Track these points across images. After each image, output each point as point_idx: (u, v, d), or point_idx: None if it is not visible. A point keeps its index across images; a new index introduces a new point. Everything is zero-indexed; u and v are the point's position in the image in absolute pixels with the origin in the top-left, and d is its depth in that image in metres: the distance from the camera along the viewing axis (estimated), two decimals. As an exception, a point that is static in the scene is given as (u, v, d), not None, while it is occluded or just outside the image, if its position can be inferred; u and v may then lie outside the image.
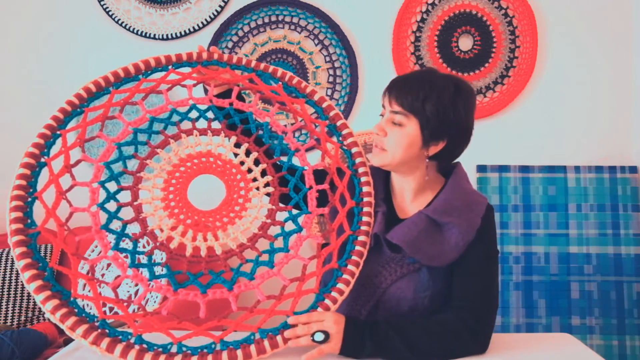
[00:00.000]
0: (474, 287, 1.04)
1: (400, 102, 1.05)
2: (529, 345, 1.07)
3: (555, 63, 2.31)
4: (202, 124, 1.11)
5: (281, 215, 1.05)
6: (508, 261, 2.20)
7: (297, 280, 1.03)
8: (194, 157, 1.07)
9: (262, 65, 1.17)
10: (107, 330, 0.92)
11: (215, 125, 1.13)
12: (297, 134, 2.33)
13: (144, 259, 1.69)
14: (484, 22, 2.32)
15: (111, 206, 1.00)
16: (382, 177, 1.17)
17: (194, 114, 1.12)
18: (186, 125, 1.08)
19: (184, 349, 0.93)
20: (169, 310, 0.95)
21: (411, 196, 1.13)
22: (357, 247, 1.06)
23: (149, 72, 1.10)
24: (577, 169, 2.25)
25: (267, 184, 1.09)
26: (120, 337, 0.92)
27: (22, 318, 1.98)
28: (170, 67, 1.11)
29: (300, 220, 1.07)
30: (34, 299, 2.00)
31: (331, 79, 2.35)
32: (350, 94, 2.33)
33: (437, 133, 1.05)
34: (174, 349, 0.93)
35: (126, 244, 1.93)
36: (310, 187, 1.08)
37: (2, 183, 1.54)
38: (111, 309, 1.93)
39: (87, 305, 1.96)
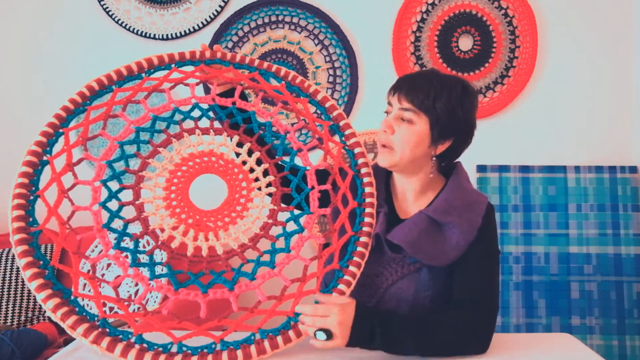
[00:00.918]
0: (475, 287, 1.04)
1: (410, 100, 1.05)
2: (529, 345, 1.07)
3: (555, 63, 2.31)
4: (204, 123, 1.11)
5: (283, 216, 1.05)
6: (508, 261, 2.20)
7: (298, 281, 1.03)
8: (196, 156, 1.07)
9: (266, 64, 1.16)
10: (107, 330, 0.92)
11: (218, 124, 1.13)
12: (298, 134, 2.33)
13: (144, 259, 1.69)
14: (484, 22, 2.32)
15: (113, 205, 1.00)
16: (382, 178, 1.16)
17: (196, 113, 1.11)
18: (188, 124, 1.08)
19: (184, 348, 0.93)
20: (170, 310, 0.95)
21: (413, 197, 1.13)
22: (359, 248, 1.06)
23: (151, 70, 1.09)
24: (577, 169, 2.25)
25: (269, 184, 1.08)
26: (120, 336, 0.92)
27: (22, 318, 1.98)
28: (173, 65, 1.11)
29: (302, 220, 1.06)
30: (34, 299, 2.00)
31: (331, 79, 2.35)
32: (350, 94, 2.33)
33: (445, 132, 1.06)
34: (174, 349, 0.93)
35: (127, 243, 1.93)
36: (312, 188, 1.08)
37: (4, 181, 1.54)
38: (112, 308, 1.93)
39: (88, 304, 1.96)
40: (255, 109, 1.11)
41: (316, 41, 2.34)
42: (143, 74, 1.08)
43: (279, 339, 0.96)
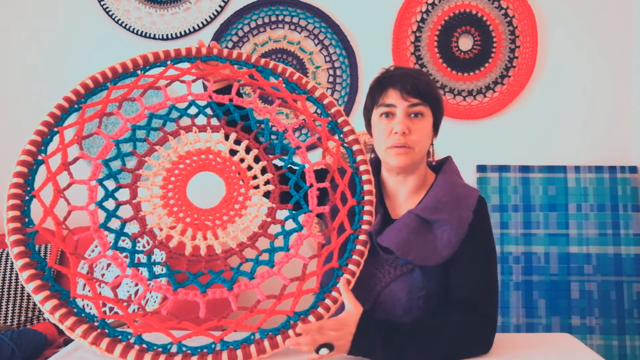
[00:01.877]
0: (473, 286, 1.03)
1: (415, 94, 1.05)
2: (529, 345, 1.07)
3: (555, 63, 2.31)
4: (201, 120, 1.09)
5: (281, 214, 1.04)
6: (508, 261, 2.20)
7: (298, 280, 1.02)
8: (193, 154, 1.05)
9: (263, 60, 1.15)
10: (106, 330, 0.92)
11: (215, 121, 1.12)
12: (297, 133, 2.33)
13: (143, 258, 1.69)
14: (484, 22, 2.32)
15: (110, 204, 0.99)
16: (374, 178, 1.14)
17: (193, 110, 1.10)
18: (185, 121, 1.06)
19: (184, 348, 0.92)
20: (169, 310, 0.94)
21: (405, 196, 1.12)
22: (358, 247, 1.06)
23: (147, 67, 1.08)
24: (577, 169, 2.25)
25: (267, 182, 1.07)
26: (120, 337, 0.92)
27: (22, 318, 1.98)
28: (169, 62, 1.09)
29: (301, 219, 1.06)
30: (34, 299, 2.00)
31: (331, 79, 2.34)
32: (350, 94, 2.33)
33: (438, 117, 1.10)
34: (173, 349, 0.93)
35: (125, 243, 1.93)
36: (311, 185, 1.07)
37: None
38: (111, 309, 1.92)
39: (87, 305, 1.96)
40: (252, 106, 1.10)
41: (316, 41, 2.34)
42: (138, 71, 1.07)
43: (279, 338, 0.96)
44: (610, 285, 2.17)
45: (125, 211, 0.99)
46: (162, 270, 0.99)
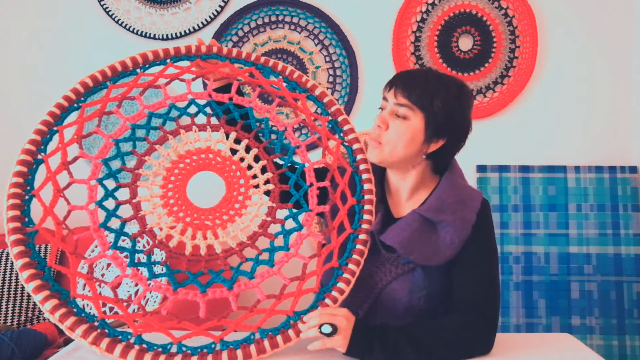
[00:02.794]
0: (475, 287, 1.03)
1: (407, 95, 1.03)
2: (529, 345, 1.07)
3: (555, 63, 2.31)
4: (201, 119, 1.08)
5: (281, 213, 1.04)
6: (508, 261, 2.20)
7: (298, 280, 1.02)
8: (193, 153, 1.05)
9: (263, 58, 1.13)
10: (106, 330, 0.91)
11: (215, 120, 1.11)
12: (297, 133, 2.33)
13: (143, 258, 1.69)
14: (484, 22, 2.32)
15: (109, 204, 0.98)
16: (377, 176, 1.15)
17: (193, 109, 1.09)
18: (185, 120, 1.06)
19: (184, 348, 0.92)
20: (169, 310, 0.94)
21: (407, 195, 1.12)
22: (358, 246, 1.05)
23: (146, 66, 1.07)
24: (577, 169, 2.25)
25: (267, 181, 1.07)
26: (120, 337, 0.91)
27: (22, 318, 1.98)
28: (168, 60, 1.09)
29: (301, 218, 1.05)
30: (34, 299, 2.00)
31: (331, 79, 2.34)
32: (350, 94, 2.33)
33: (440, 130, 1.04)
34: (173, 349, 0.92)
35: (125, 243, 1.93)
36: (311, 184, 1.07)
37: None
38: (111, 309, 1.92)
39: (87, 305, 1.96)
40: (252, 104, 1.09)
41: (316, 41, 2.34)
42: (138, 70, 1.07)
43: (279, 338, 0.95)
44: (610, 285, 2.17)
45: (125, 211, 0.98)
46: (162, 270, 0.99)
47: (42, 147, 0.96)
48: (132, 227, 1.93)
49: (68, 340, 1.67)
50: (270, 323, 0.99)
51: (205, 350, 0.93)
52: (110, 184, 0.98)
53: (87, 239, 2.06)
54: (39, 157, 0.96)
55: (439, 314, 1.05)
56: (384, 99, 1.09)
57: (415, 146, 1.05)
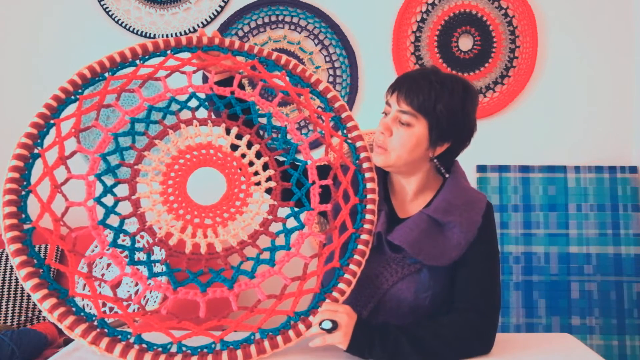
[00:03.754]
0: (477, 287, 1.03)
1: (409, 102, 1.02)
2: (529, 345, 1.07)
3: (555, 63, 2.31)
4: (202, 113, 1.05)
5: (282, 212, 1.03)
6: (508, 261, 2.20)
7: (298, 280, 1.01)
8: (194, 148, 1.02)
9: (266, 51, 1.10)
10: (106, 330, 0.91)
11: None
12: (302, 131, 2.32)
13: (142, 256, 1.68)
14: (484, 22, 2.32)
15: (108, 200, 0.95)
16: (380, 175, 1.14)
17: (193, 103, 1.05)
18: (185, 114, 1.02)
19: (184, 348, 0.92)
20: (169, 310, 0.93)
21: (411, 196, 1.12)
22: (360, 246, 1.04)
23: (146, 57, 1.03)
24: (577, 169, 2.25)
25: (268, 179, 1.05)
26: (119, 336, 0.91)
27: (22, 318, 1.97)
28: (169, 52, 1.04)
29: (302, 217, 1.04)
30: (32, 298, 2.00)
31: (331, 79, 2.34)
32: (350, 94, 2.33)
33: (444, 134, 1.04)
34: (173, 349, 0.92)
35: (125, 241, 1.92)
36: (313, 182, 1.05)
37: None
38: (111, 308, 1.92)
39: (87, 305, 1.95)
40: (254, 99, 1.06)
41: (316, 41, 2.34)
42: (137, 61, 1.03)
43: (279, 338, 0.95)
44: (610, 285, 2.17)
45: (124, 208, 0.96)
46: (162, 268, 0.98)
47: (39, 140, 0.93)
48: (131, 224, 1.92)
49: (68, 340, 1.67)
50: (271, 323, 0.98)
51: (205, 350, 0.92)
52: (108, 179, 0.95)
53: (88, 239, 2.05)
54: (36, 151, 0.93)
55: (441, 314, 1.05)
56: (387, 104, 1.07)
57: (421, 151, 1.05)
